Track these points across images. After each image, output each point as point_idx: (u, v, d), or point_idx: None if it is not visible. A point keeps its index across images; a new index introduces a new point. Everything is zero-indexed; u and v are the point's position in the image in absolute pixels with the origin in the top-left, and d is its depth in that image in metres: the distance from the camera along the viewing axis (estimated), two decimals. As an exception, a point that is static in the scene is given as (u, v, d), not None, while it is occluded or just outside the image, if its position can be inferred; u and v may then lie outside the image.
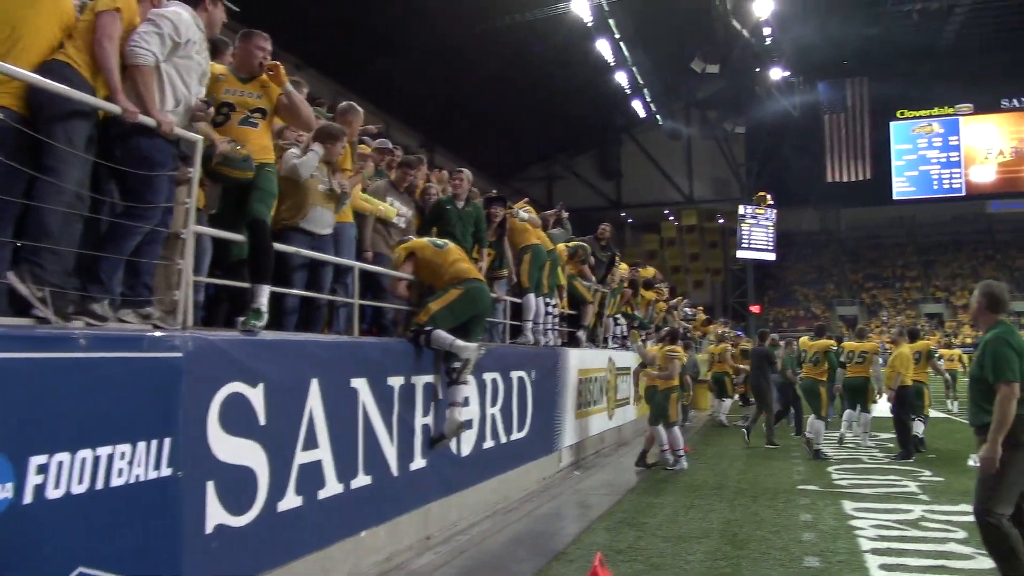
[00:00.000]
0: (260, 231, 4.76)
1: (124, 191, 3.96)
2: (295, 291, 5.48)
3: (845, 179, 47.88)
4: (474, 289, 6.44)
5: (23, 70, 3.45)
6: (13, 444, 2.98)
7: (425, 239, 6.81)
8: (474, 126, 37.48)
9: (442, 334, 6.15)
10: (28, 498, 3.01)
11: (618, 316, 13.72)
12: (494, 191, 10.04)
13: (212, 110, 4.79)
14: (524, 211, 9.74)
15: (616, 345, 13.31)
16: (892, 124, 50.00)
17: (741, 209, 45.02)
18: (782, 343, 14.79)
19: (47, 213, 3.51)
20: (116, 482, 3.35)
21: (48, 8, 3.69)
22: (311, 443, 4.74)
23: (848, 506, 7.70)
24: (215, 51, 5.41)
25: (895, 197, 50.35)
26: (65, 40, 3.77)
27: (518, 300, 9.41)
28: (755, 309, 47.86)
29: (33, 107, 3.57)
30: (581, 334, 11.34)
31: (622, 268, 14.20)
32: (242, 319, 4.62)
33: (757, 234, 45.10)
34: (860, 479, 9.29)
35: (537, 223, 9.87)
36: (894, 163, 49.99)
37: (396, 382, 5.77)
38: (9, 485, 2.96)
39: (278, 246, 5.07)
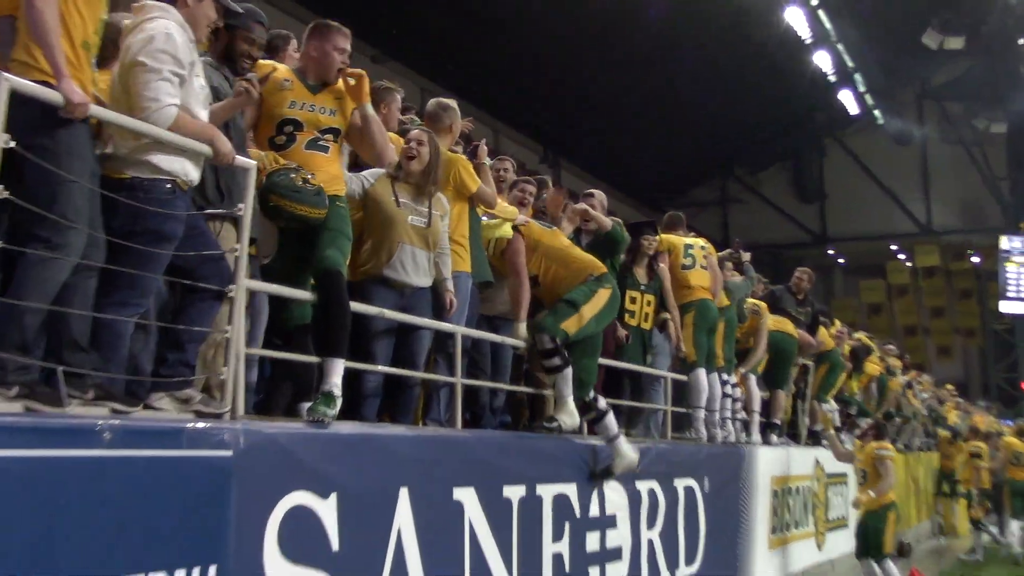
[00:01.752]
0: (333, 285, 4.90)
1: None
2: (378, 368, 5.58)
3: None
4: (616, 292, 6.64)
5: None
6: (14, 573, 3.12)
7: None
8: (612, 132, 37.65)
9: (612, 422, 6.27)
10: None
11: (828, 399, 13.47)
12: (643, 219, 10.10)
13: (249, 119, 5.07)
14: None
15: (826, 441, 13.00)
16: None
17: (1004, 242, 43.16)
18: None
19: (45, 270, 3.68)
20: (146, 626, 3.47)
21: None
22: (399, 575, 4.79)
23: None
24: (272, 48, 5.69)
25: None
26: None
27: (682, 377, 9.34)
28: (1030, 387, 45.71)
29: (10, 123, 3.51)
30: (775, 437, 11.15)
31: (831, 329, 13.94)
32: (308, 406, 4.75)
33: (1029, 278, 43.30)
34: None
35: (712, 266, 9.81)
36: None
37: (516, 493, 5.80)
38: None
39: (356, 305, 5.18)
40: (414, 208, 5.85)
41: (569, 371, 6.47)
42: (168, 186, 4.14)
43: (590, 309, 6.54)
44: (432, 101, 6.67)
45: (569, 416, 6.48)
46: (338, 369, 4.85)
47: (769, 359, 11.44)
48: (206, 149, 4.22)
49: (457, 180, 6.34)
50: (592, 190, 8.46)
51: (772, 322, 11.20)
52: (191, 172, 4.25)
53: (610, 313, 6.74)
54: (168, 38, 4.17)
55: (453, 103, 6.62)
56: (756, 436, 10.87)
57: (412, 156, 5.89)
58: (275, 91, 5.06)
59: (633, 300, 8.83)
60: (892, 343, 19.42)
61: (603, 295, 6.61)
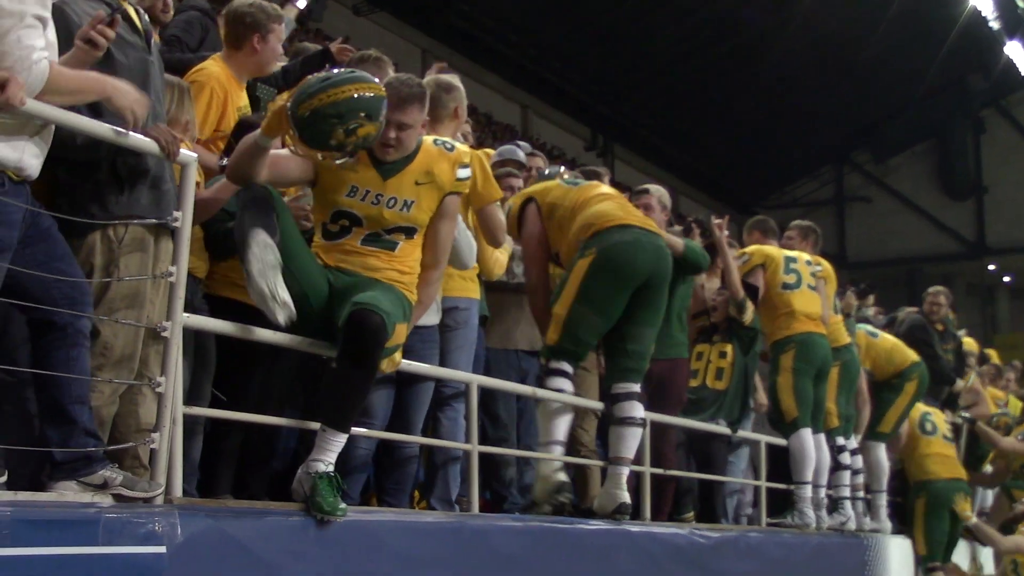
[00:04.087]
0: (369, 336, 4.91)
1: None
2: (370, 432, 5.63)
3: None
4: (619, 245, 6.74)
5: None
6: None
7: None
8: (682, 110, 37.49)
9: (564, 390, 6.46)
10: None
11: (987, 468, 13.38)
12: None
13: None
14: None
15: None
16: None
17: None
18: None
19: None
20: None
21: None
22: None
23: None
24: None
25: None
26: None
27: (781, 442, 9.36)
28: None
29: None
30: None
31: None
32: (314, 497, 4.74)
33: None
34: None
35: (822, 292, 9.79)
36: None
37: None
38: None
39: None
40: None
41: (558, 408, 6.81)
42: None
43: (565, 298, 6.76)
44: (430, 80, 6.74)
45: (615, 492, 6.69)
46: (338, 446, 4.88)
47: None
48: (104, 131, 4.12)
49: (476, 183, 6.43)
50: (648, 185, 8.47)
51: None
52: (28, 160, 4.10)
53: (605, 278, 6.80)
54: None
55: (456, 81, 6.70)
56: (884, 521, 10.83)
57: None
58: (329, 168, 5.12)
59: (699, 356, 8.96)
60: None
61: (580, 266, 6.78)
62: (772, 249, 9.62)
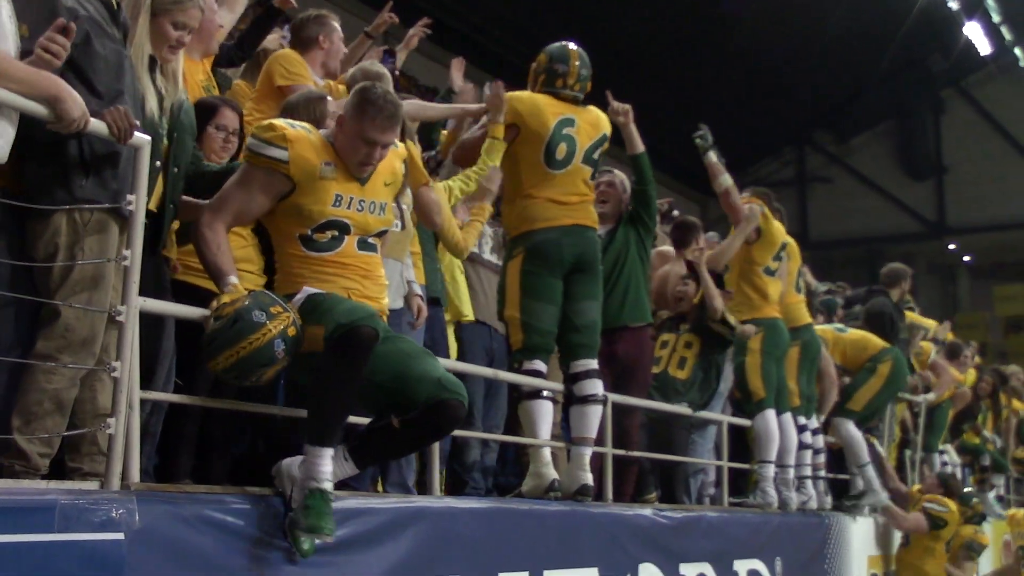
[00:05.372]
0: (455, 419, 4.96)
1: None
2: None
3: None
4: (544, 241, 6.94)
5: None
6: None
7: None
8: (637, 86, 37.37)
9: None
10: None
11: (945, 449, 13.52)
12: (673, 211, 10.20)
13: None
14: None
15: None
16: None
17: None
18: None
19: None
20: None
21: None
22: None
23: None
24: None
25: None
26: None
27: (745, 422, 9.40)
28: None
29: None
30: (866, 500, 11.11)
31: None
32: (298, 535, 4.67)
33: None
34: None
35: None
36: None
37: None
38: None
39: None
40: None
41: (537, 406, 6.89)
42: None
43: (511, 301, 6.97)
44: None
45: (578, 473, 6.79)
46: (325, 459, 4.75)
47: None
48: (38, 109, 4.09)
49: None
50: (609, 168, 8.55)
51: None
52: None
53: (534, 269, 6.97)
54: None
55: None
56: (879, 491, 10.96)
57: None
58: (312, 179, 5.08)
59: (664, 344, 9.04)
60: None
61: (512, 269, 7.02)
62: (780, 228, 9.64)
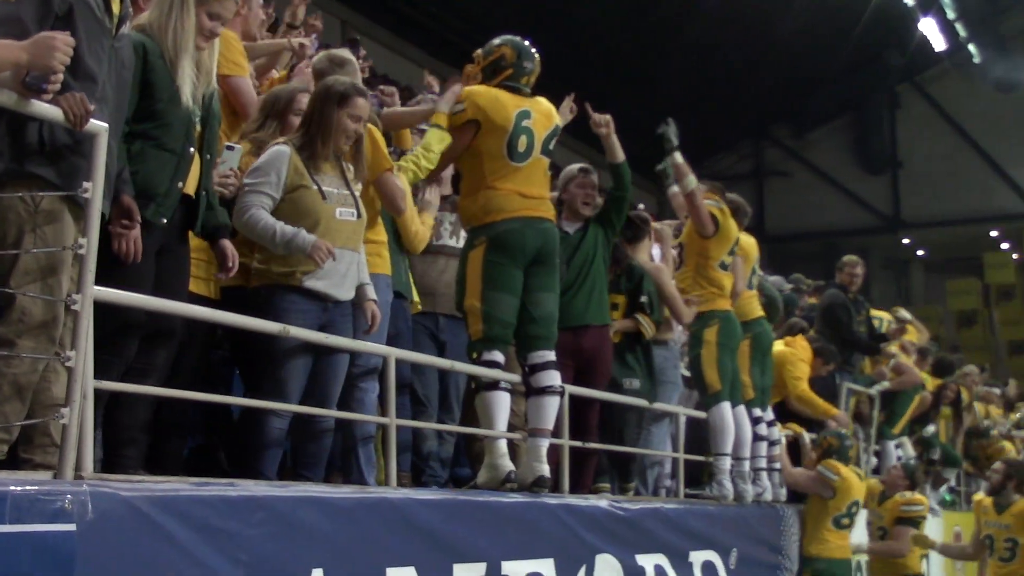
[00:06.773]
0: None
1: None
2: (288, 406, 5.66)
3: None
4: (506, 231, 6.94)
5: None
6: None
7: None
8: (600, 82, 37.47)
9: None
10: None
11: (902, 441, 13.62)
12: (640, 205, 10.20)
13: None
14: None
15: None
16: None
17: None
18: None
19: None
20: None
21: None
22: None
23: None
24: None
25: None
26: None
27: (700, 414, 9.42)
28: None
29: None
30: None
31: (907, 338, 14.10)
32: None
33: None
34: None
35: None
36: None
37: (472, 574, 5.84)
38: None
39: (253, 321, 5.34)
40: (341, 197, 5.99)
41: (494, 397, 6.85)
42: None
43: (472, 290, 6.95)
44: (322, 56, 6.84)
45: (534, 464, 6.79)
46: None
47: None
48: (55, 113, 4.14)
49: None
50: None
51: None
52: None
53: (496, 259, 6.95)
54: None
55: (349, 55, 6.93)
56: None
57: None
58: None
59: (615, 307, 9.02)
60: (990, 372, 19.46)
61: (474, 258, 6.97)
62: (735, 224, 9.65)
